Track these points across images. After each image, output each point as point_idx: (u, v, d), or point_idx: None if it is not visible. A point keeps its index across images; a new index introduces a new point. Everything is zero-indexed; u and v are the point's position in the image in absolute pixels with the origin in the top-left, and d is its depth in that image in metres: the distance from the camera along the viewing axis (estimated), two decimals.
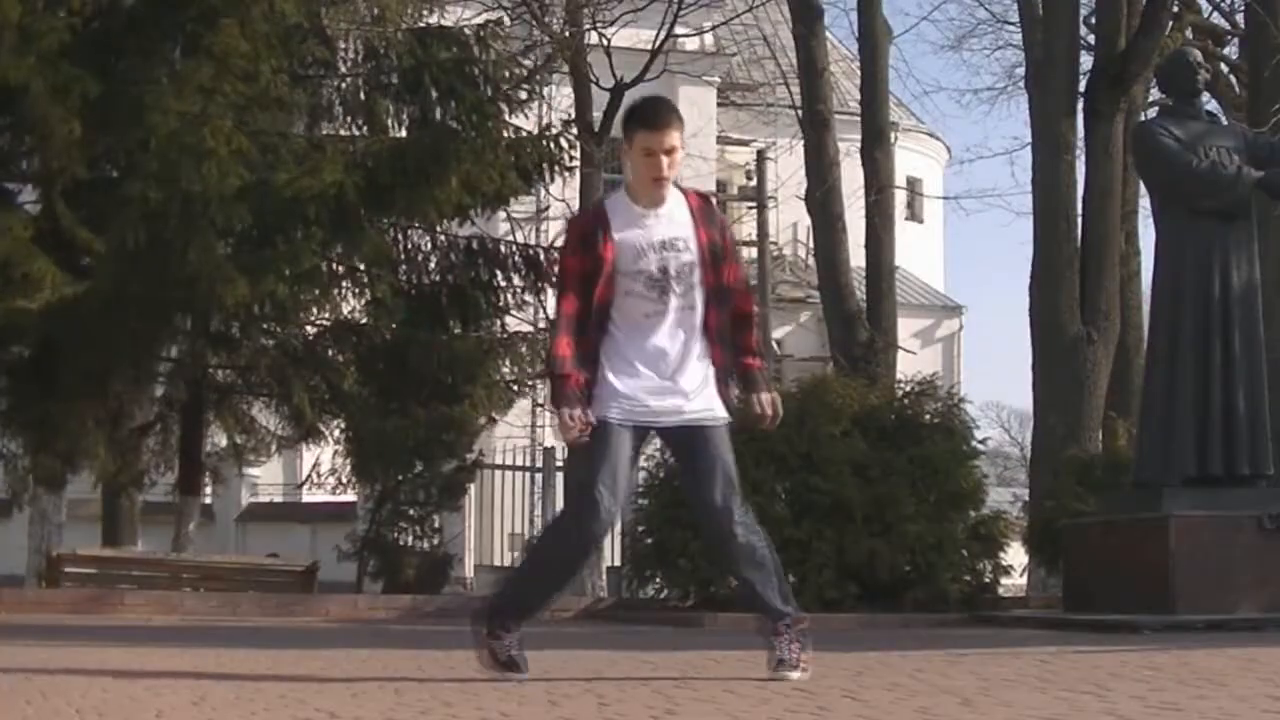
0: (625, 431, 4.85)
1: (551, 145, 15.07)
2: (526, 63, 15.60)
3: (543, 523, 17.80)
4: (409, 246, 15.78)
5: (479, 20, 15.80)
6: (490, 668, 4.93)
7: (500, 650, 4.92)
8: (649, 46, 17.60)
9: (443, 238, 15.83)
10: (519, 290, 15.98)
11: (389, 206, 13.96)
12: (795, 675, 4.85)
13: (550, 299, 17.82)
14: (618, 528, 16.30)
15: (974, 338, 76.43)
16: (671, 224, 4.92)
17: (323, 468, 16.41)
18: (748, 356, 5.08)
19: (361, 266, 15.11)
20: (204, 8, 13.15)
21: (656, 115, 4.89)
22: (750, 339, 5.11)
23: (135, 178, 12.72)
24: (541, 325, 16.64)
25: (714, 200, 5.11)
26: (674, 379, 4.88)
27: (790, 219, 31.09)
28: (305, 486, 19.99)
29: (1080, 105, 16.49)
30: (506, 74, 15.29)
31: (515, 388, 16.31)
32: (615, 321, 4.90)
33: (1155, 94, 18.02)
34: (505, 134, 15.02)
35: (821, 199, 17.33)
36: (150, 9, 13.66)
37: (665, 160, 4.84)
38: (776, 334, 30.90)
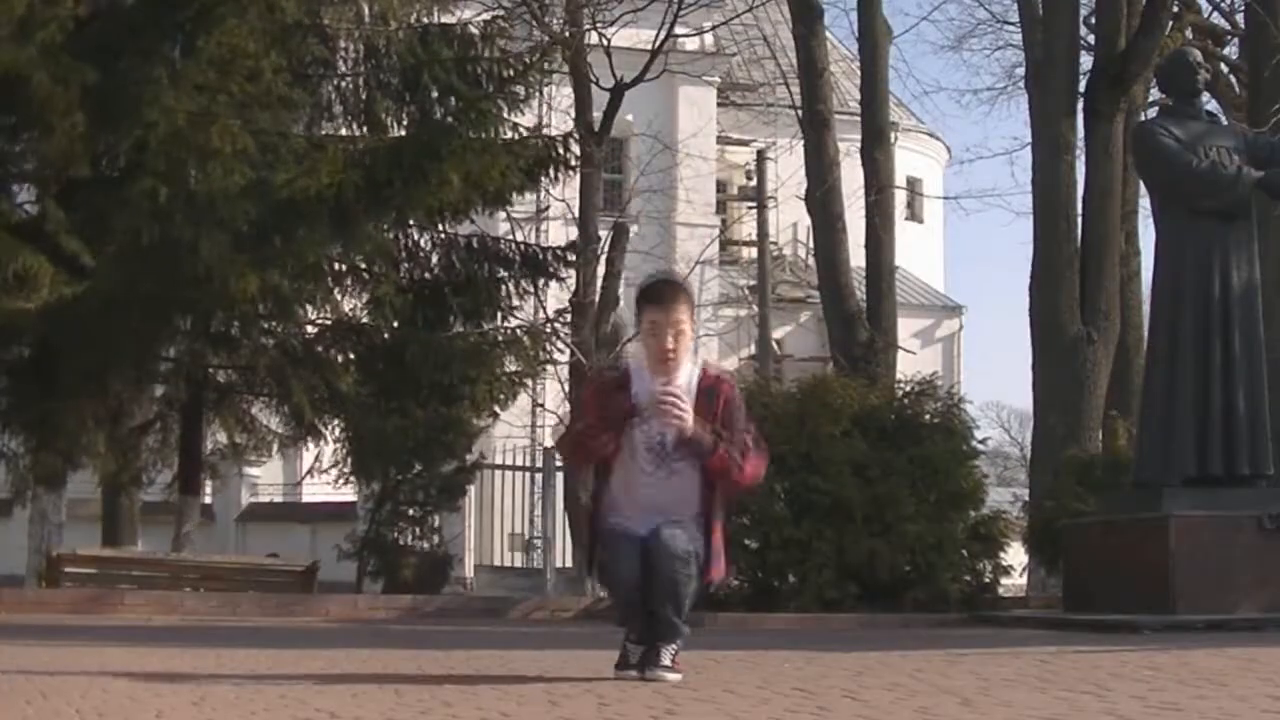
0: (628, 537, 5.00)
1: (553, 146, 15.08)
2: (528, 59, 15.57)
3: (543, 523, 17.83)
4: (409, 245, 15.79)
5: (481, 19, 15.80)
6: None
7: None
8: (649, 46, 17.61)
9: (443, 236, 15.83)
10: (520, 288, 15.98)
11: (388, 205, 13.96)
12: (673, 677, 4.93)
13: (549, 295, 17.83)
14: None
15: (974, 338, 76.45)
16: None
17: (324, 462, 16.43)
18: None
19: (362, 265, 15.11)
20: (202, 7, 13.15)
21: (662, 293, 5.05)
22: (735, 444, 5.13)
23: (141, 176, 12.73)
24: (541, 321, 16.65)
25: (725, 382, 5.14)
26: (656, 517, 5.01)
27: (790, 219, 31.09)
28: (306, 480, 20.00)
29: (1080, 105, 16.50)
30: (508, 72, 15.28)
31: (518, 381, 16.29)
32: (615, 474, 5.08)
33: (1155, 94, 18.03)
34: (506, 133, 15.02)
35: (821, 199, 17.34)
36: (149, 8, 13.66)
37: (671, 337, 4.98)
38: (776, 334, 30.91)
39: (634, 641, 5.07)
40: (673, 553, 4.91)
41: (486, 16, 15.90)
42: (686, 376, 5.07)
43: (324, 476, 16.64)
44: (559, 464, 17.36)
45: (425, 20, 15.80)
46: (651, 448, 5.08)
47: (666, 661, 4.97)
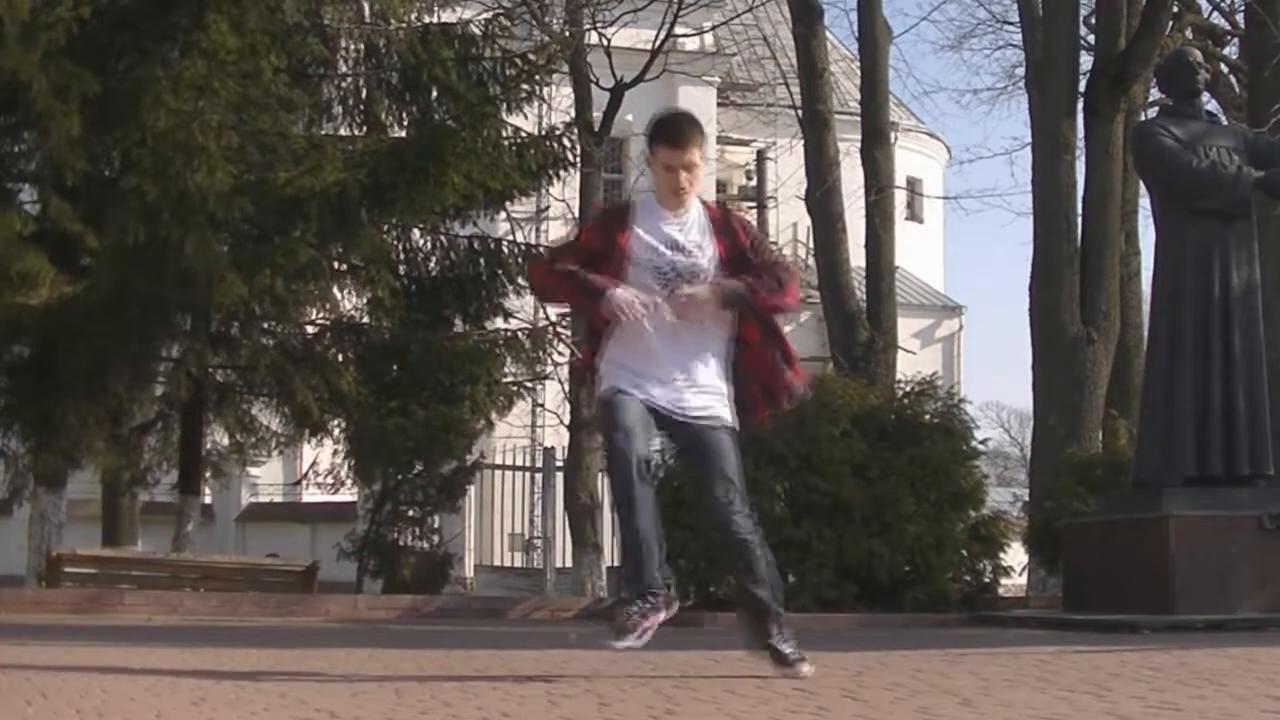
0: (636, 400, 4.92)
1: (554, 145, 15.08)
2: (531, 58, 15.57)
3: (543, 523, 17.83)
4: (409, 246, 15.79)
5: (482, 19, 15.80)
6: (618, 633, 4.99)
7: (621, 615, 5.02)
8: (649, 46, 17.60)
9: (443, 237, 15.83)
10: (519, 288, 15.98)
11: (389, 205, 13.96)
12: (806, 669, 4.97)
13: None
14: (617, 528, 16.35)
15: (974, 338, 76.45)
16: (689, 230, 5.07)
17: (321, 467, 16.41)
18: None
19: (361, 265, 15.11)
20: (196, 6, 13.15)
21: (679, 132, 5.04)
22: (767, 274, 5.12)
23: (131, 174, 12.73)
24: (542, 324, 16.64)
25: (733, 213, 5.24)
26: (676, 375, 4.97)
27: (790, 219, 31.06)
28: (303, 485, 19.98)
29: (1080, 105, 16.49)
30: (508, 72, 15.28)
31: (516, 389, 16.31)
32: (619, 324, 5.00)
33: (1155, 94, 18.02)
34: (506, 133, 15.02)
35: (821, 199, 17.33)
36: (146, 7, 13.66)
37: (685, 176, 5.00)
38: None
39: (639, 595, 4.97)
40: (749, 562, 4.99)
41: (487, 16, 15.89)
42: (696, 211, 5.10)
43: (323, 481, 16.64)
44: (559, 464, 17.37)
45: (426, 20, 15.81)
46: (660, 271, 5.03)
47: (787, 649, 5.00)
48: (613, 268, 5.02)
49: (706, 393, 5.00)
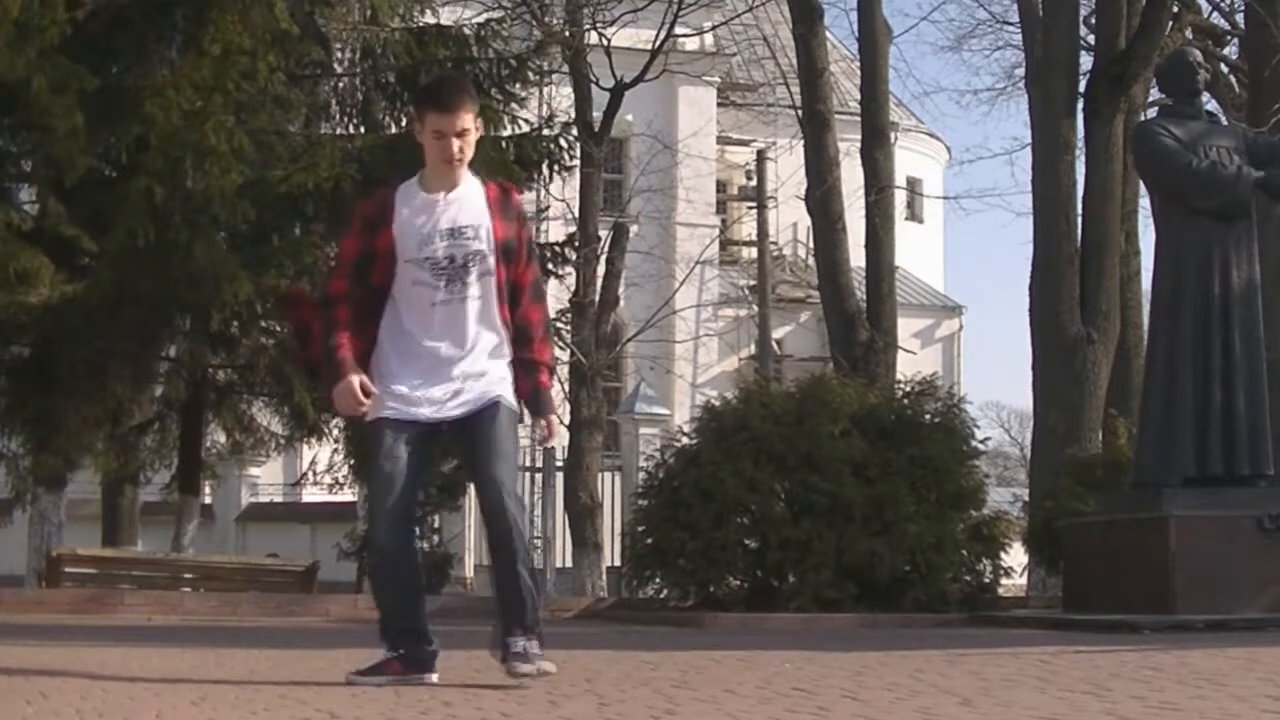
0: (403, 430, 4.71)
1: (551, 144, 15.07)
2: (526, 60, 15.57)
3: (543, 523, 17.82)
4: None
5: (478, 20, 15.80)
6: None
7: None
8: (649, 46, 17.62)
9: None
10: None
11: None
12: (545, 666, 4.67)
13: (549, 295, 17.82)
14: (616, 528, 16.36)
15: (974, 338, 76.46)
16: (463, 210, 4.75)
17: (320, 466, 16.43)
18: (535, 373, 4.87)
19: None
20: (198, 5, 13.15)
21: (448, 96, 4.75)
22: (535, 352, 4.87)
23: (139, 175, 12.73)
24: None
25: (514, 193, 4.91)
26: (457, 371, 4.71)
27: (790, 219, 31.12)
28: (303, 484, 20.00)
29: (1080, 105, 16.50)
30: (505, 72, 15.28)
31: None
32: (398, 311, 4.75)
33: (1155, 94, 18.03)
34: (505, 131, 15.01)
35: (821, 199, 17.34)
36: (144, 7, 13.66)
37: (456, 143, 4.71)
38: (776, 334, 30.91)
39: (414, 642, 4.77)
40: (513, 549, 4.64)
41: (483, 19, 15.89)
42: (469, 187, 4.80)
43: (321, 480, 16.65)
44: (559, 464, 17.37)
45: (420, 21, 15.80)
46: (437, 265, 4.70)
47: (536, 648, 4.64)
48: (381, 272, 4.72)
49: (484, 378, 4.73)
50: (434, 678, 4.82)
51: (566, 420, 17.32)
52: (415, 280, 4.71)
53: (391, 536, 4.78)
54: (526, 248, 4.86)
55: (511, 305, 4.82)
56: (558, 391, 20.36)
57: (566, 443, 16.84)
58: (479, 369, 4.72)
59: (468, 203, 4.77)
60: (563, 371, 18.48)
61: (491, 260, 4.72)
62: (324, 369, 4.78)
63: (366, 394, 4.69)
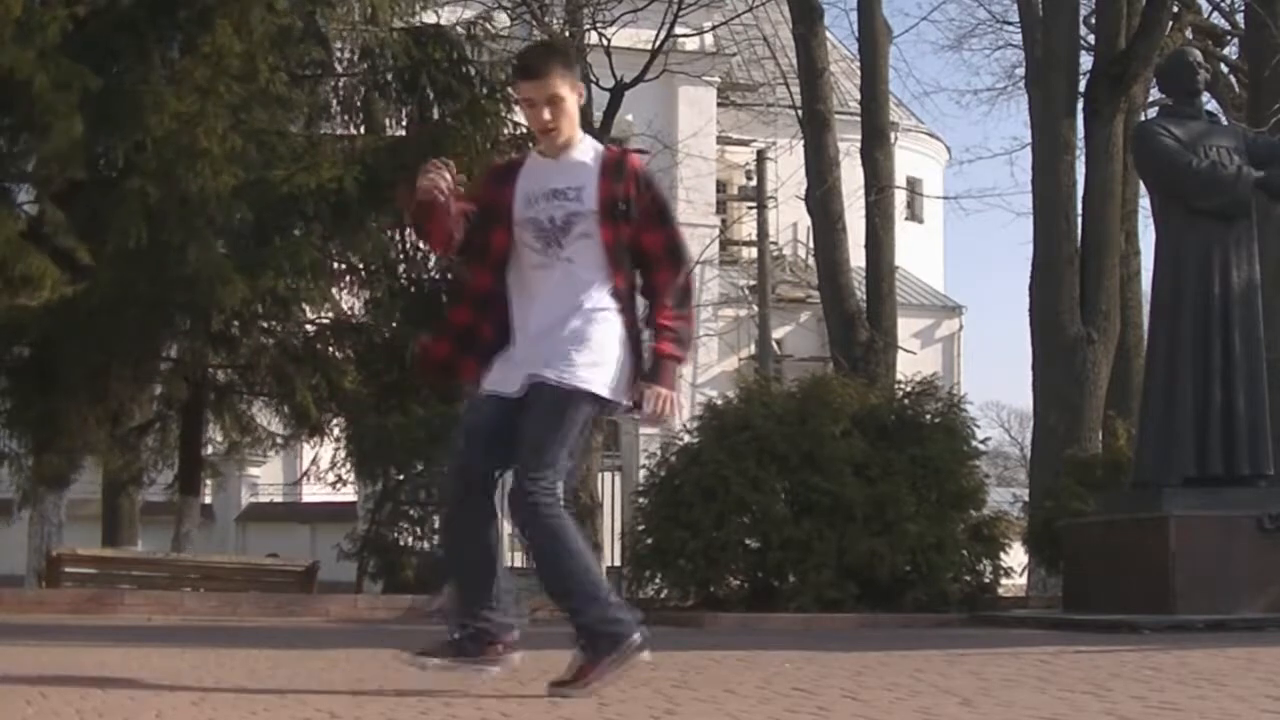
0: (489, 402, 4.50)
1: None
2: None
3: None
4: (408, 246, 15.78)
5: (468, 19, 15.79)
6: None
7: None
8: (649, 46, 17.61)
9: None
10: None
11: (389, 204, 13.97)
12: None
13: None
14: (616, 528, 16.34)
15: (974, 338, 76.48)
16: (569, 173, 4.56)
17: (322, 465, 16.42)
18: (654, 339, 4.56)
19: (360, 265, 15.11)
20: (199, 8, 13.16)
21: (534, 63, 4.57)
22: (658, 315, 4.57)
23: (134, 177, 12.73)
24: None
25: (633, 156, 4.64)
26: (542, 340, 4.46)
27: (790, 219, 31.13)
28: (304, 482, 19.99)
29: (1080, 105, 16.50)
30: (504, 74, 15.29)
31: None
32: (510, 274, 4.60)
33: (1155, 94, 18.04)
34: (506, 132, 15.02)
35: (821, 199, 17.34)
36: (146, 9, 13.66)
37: (547, 111, 4.50)
38: (776, 334, 30.92)
39: (467, 619, 4.52)
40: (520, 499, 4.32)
41: (471, 19, 15.88)
42: (581, 152, 4.59)
43: (324, 476, 16.64)
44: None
45: (419, 21, 15.80)
46: (539, 226, 4.54)
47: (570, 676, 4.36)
48: (506, 231, 4.58)
49: (561, 352, 4.41)
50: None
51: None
52: (522, 242, 4.57)
53: (454, 486, 4.59)
54: (649, 210, 4.56)
55: (625, 266, 4.55)
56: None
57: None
58: (560, 343, 4.43)
59: (577, 167, 4.57)
60: None
61: (593, 221, 4.50)
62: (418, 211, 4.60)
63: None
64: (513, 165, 4.75)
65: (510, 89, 15.19)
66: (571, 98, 4.53)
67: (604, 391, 4.42)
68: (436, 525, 15.15)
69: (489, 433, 4.46)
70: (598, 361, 4.42)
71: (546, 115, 4.50)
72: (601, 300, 4.48)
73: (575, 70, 4.59)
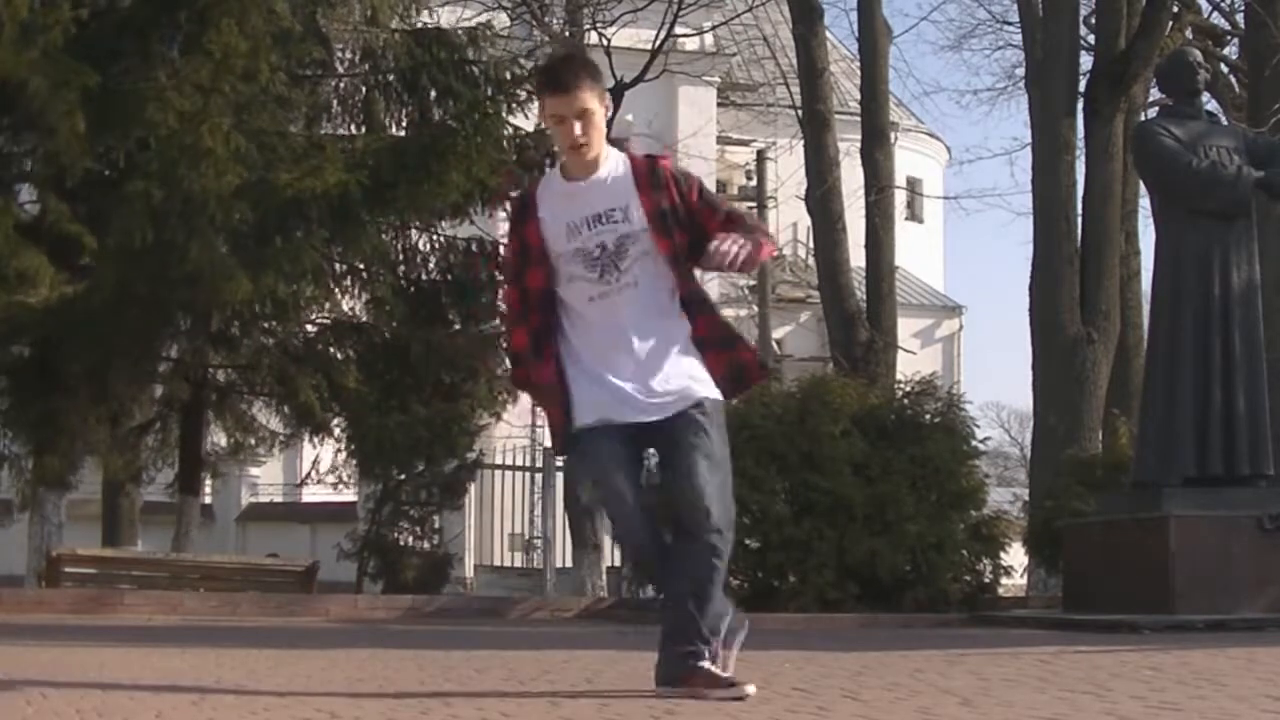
0: (603, 432, 4.32)
1: (553, 144, 15.07)
2: (525, 62, 15.57)
3: (543, 523, 17.82)
4: (408, 246, 15.79)
5: (475, 21, 15.80)
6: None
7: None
8: (649, 46, 17.60)
9: (441, 238, 15.83)
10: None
11: (390, 206, 13.97)
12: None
13: None
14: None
15: (974, 338, 76.49)
16: (606, 194, 4.38)
17: (323, 465, 16.42)
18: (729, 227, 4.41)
19: (360, 265, 15.11)
20: (200, 7, 13.16)
21: (561, 76, 4.35)
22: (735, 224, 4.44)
23: (137, 176, 12.73)
24: None
25: (662, 161, 4.49)
26: (635, 369, 4.33)
27: (790, 219, 31.10)
28: (305, 484, 19.97)
29: (1080, 105, 16.51)
30: (507, 75, 15.29)
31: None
32: (566, 311, 4.43)
33: (1155, 94, 18.04)
34: (506, 131, 15.02)
35: (821, 199, 17.34)
36: (148, 8, 13.66)
37: (578, 125, 4.31)
38: (776, 334, 30.91)
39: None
40: (697, 508, 4.15)
41: (484, 18, 15.89)
42: (612, 167, 4.42)
43: (324, 478, 16.64)
44: (559, 464, 17.36)
45: (420, 22, 15.80)
46: (589, 256, 4.35)
47: (716, 668, 4.25)
48: (538, 271, 4.40)
49: (671, 376, 4.34)
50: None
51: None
52: (569, 276, 4.38)
53: (613, 527, 4.51)
54: (701, 206, 4.43)
55: (687, 265, 4.44)
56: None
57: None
58: (658, 367, 4.33)
59: (613, 184, 4.40)
60: None
61: (648, 238, 4.36)
62: (533, 394, 4.59)
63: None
64: (528, 198, 4.53)
65: (510, 88, 15.24)
66: (600, 110, 4.37)
67: (716, 394, 4.38)
68: (436, 525, 15.18)
69: (618, 465, 4.30)
70: (701, 371, 4.38)
71: (578, 130, 4.31)
72: (676, 309, 4.42)
73: (602, 81, 4.46)
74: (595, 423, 4.30)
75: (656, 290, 4.40)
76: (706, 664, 4.28)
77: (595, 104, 4.34)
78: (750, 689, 4.25)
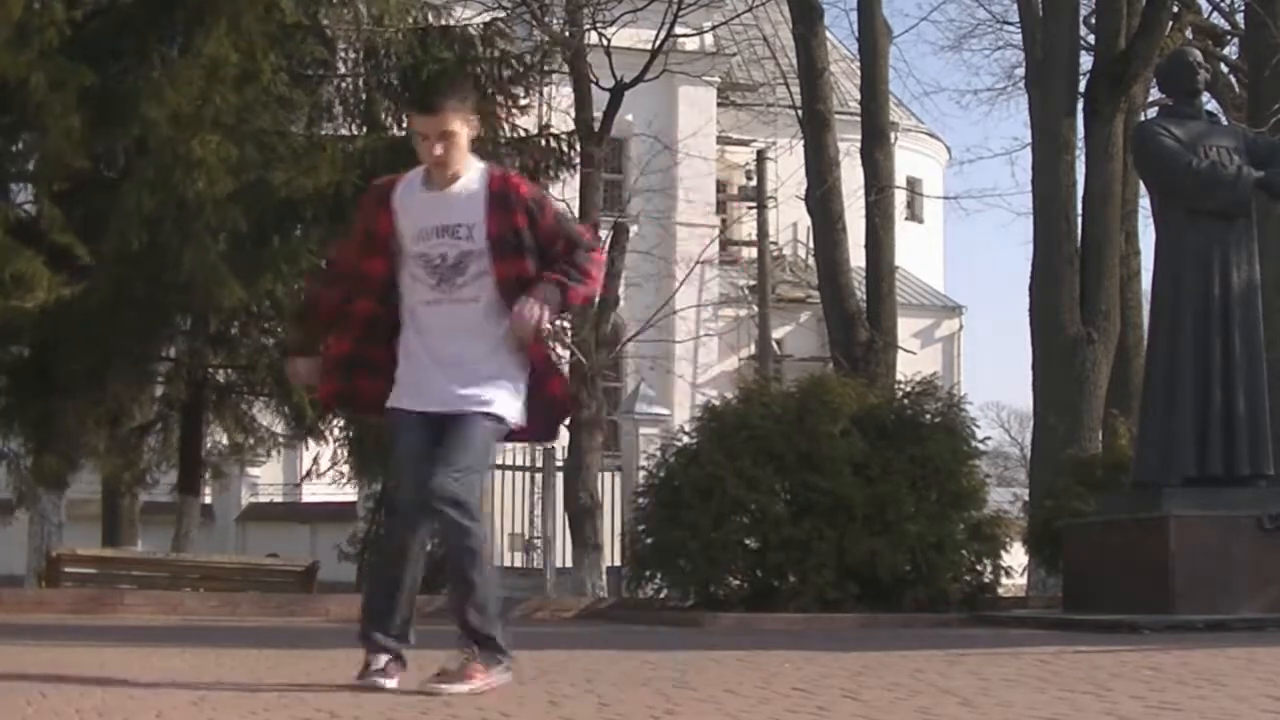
0: (414, 418, 4.62)
1: (553, 144, 15.06)
2: (528, 60, 15.57)
3: (543, 523, 17.81)
4: None
5: (481, 20, 15.79)
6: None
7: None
8: (649, 46, 17.58)
9: None
10: None
11: None
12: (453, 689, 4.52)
13: None
14: (616, 528, 16.35)
15: (974, 338, 76.49)
16: (458, 209, 4.62)
17: (322, 465, 16.43)
18: (553, 271, 4.63)
19: None
20: (193, 6, 13.14)
21: (429, 97, 4.66)
22: (566, 263, 4.64)
23: (132, 182, 12.73)
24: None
25: (516, 183, 4.68)
26: (451, 372, 4.58)
27: (790, 219, 31.09)
28: (306, 481, 19.99)
29: (1080, 105, 16.50)
30: (508, 74, 15.29)
31: None
32: (404, 306, 4.69)
33: (1155, 94, 18.03)
34: (507, 133, 15.02)
35: (821, 199, 17.33)
36: (147, 8, 13.66)
37: (439, 145, 4.57)
38: (776, 334, 30.91)
39: (384, 634, 4.75)
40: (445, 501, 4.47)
41: (486, 18, 15.89)
42: (468, 183, 4.63)
43: (324, 476, 16.65)
44: (559, 464, 17.36)
45: (424, 22, 15.80)
46: (430, 263, 4.61)
47: (473, 667, 4.53)
48: (384, 259, 4.67)
49: (474, 386, 4.57)
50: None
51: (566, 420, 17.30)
52: (412, 275, 4.65)
53: (398, 521, 4.82)
54: (550, 232, 4.64)
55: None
56: None
57: (566, 442, 16.83)
58: (471, 377, 4.57)
59: (465, 200, 4.62)
60: (563, 369, 18.44)
61: (487, 260, 4.58)
62: (292, 333, 4.89)
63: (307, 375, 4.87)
64: (387, 188, 4.76)
65: (510, 89, 15.25)
66: (464, 131, 4.60)
67: (512, 419, 4.63)
68: (436, 525, 15.18)
69: (430, 449, 4.55)
70: (505, 393, 4.59)
71: (438, 150, 4.58)
72: (498, 333, 4.59)
73: (469, 103, 4.68)
74: (407, 407, 4.60)
75: (487, 308, 4.61)
76: (467, 657, 4.56)
77: (459, 126, 4.58)
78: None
